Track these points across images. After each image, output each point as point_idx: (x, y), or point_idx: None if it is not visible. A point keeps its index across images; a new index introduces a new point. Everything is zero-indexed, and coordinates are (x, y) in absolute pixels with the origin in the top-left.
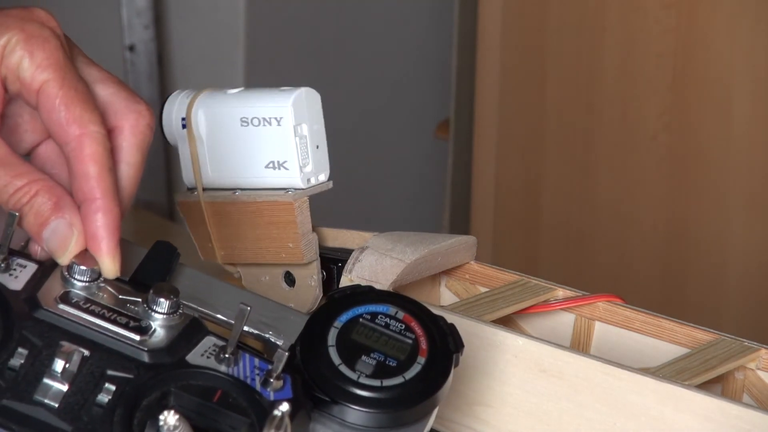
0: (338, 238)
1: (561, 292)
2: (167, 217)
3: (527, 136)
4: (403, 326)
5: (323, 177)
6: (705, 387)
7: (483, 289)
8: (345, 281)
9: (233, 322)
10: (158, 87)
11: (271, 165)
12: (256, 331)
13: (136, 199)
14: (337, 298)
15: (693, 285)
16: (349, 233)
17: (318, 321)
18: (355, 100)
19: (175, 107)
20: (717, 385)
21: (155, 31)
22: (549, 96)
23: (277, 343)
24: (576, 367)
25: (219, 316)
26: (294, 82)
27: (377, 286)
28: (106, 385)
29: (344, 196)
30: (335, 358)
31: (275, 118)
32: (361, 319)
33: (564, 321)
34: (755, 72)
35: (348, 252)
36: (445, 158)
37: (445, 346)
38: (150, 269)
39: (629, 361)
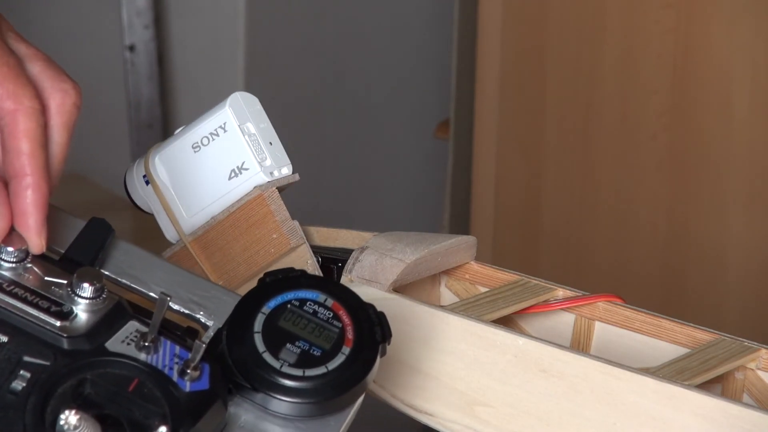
0: (338, 238)
1: (561, 292)
2: None
3: (527, 136)
4: (331, 314)
5: (286, 170)
6: (705, 387)
7: (483, 289)
8: (345, 281)
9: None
10: (158, 87)
11: (233, 173)
12: (186, 311)
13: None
14: (269, 282)
15: (693, 285)
16: (349, 233)
17: (247, 305)
18: (355, 100)
19: (134, 174)
20: (717, 385)
21: (155, 31)
22: (549, 96)
23: (207, 323)
24: (576, 367)
25: (151, 294)
26: (294, 82)
27: (377, 287)
28: (22, 372)
29: (344, 196)
30: (260, 346)
31: (220, 127)
32: (289, 305)
33: (564, 321)
34: (755, 72)
35: (348, 252)
36: (445, 158)
37: (371, 336)
38: (83, 246)
39: (629, 361)
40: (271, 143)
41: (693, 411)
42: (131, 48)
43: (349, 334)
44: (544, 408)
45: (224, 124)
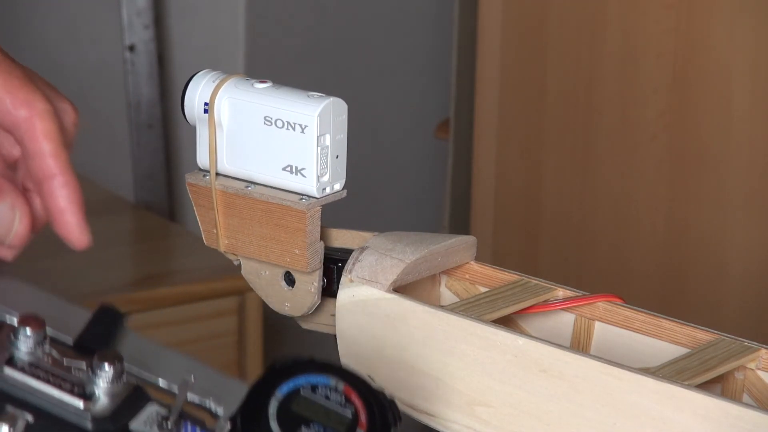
0: (338, 238)
1: (561, 292)
2: (167, 217)
3: (527, 136)
4: (343, 398)
5: (338, 186)
6: (705, 387)
7: (483, 289)
8: (345, 281)
9: (174, 388)
10: (158, 87)
11: (288, 168)
12: (196, 398)
13: (136, 199)
14: (278, 368)
15: (693, 285)
16: (349, 233)
17: (259, 391)
18: (355, 100)
19: (199, 90)
20: (717, 385)
21: (155, 31)
22: (549, 96)
23: (217, 411)
24: (576, 367)
25: (160, 381)
26: (294, 82)
27: (377, 287)
28: None
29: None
30: (276, 429)
31: (300, 125)
32: (301, 391)
33: (564, 321)
34: (755, 72)
35: (348, 252)
36: (445, 158)
37: (384, 419)
38: (94, 334)
39: (629, 361)
40: (337, 156)
41: (693, 411)
42: (131, 48)
43: (363, 418)
44: (544, 408)
45: (305, 127)
